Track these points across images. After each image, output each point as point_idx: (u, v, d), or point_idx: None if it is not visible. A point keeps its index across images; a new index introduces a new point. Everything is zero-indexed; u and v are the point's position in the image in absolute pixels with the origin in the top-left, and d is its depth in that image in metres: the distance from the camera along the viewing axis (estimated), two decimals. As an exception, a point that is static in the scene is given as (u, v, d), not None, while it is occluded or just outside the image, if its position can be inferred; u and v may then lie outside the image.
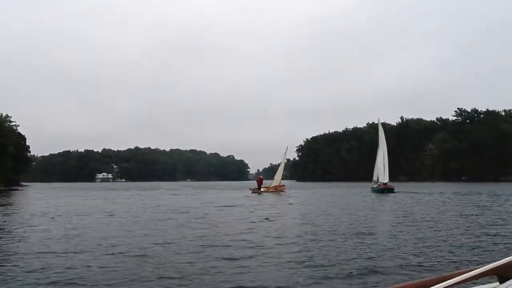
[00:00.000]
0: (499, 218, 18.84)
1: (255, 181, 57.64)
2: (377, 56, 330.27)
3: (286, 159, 66.35)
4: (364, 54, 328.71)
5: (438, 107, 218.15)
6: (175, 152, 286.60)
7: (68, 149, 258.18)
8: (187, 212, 23.53)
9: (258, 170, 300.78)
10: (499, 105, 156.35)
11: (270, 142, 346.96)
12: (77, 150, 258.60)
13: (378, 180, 51.72)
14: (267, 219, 19.79)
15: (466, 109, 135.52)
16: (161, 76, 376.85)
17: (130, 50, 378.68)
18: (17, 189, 73.02)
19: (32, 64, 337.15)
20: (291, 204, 31.32)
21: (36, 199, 42.67)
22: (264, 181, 54.51)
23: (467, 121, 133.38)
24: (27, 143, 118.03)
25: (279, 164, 61.45)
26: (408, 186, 67.04)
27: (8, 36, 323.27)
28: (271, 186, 54.04)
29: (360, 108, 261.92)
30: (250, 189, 52.38)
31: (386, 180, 50.73)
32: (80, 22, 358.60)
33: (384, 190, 47.66)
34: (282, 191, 52.65)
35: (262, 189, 51.16)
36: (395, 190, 48.18)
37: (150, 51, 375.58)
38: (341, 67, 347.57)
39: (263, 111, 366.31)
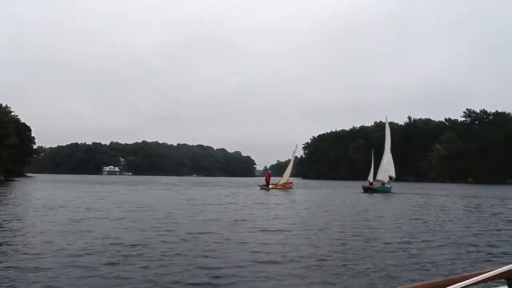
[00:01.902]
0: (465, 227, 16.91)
1: (261, 177, 57.60)
2: (390, 55, 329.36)
3: (295, 156, 66.31)
4: (376, 52, 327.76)
5: (450, 107, 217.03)
6: (182, 147, 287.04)
7: (76, 142, 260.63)
8: (148, 210, 21.67)
9: (265, 166, 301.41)
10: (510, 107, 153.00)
11: (278, 139, 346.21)
12: (85, 142, 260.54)
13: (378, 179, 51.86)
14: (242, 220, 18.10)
15: (475, 110, 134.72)
16: (172, 71, 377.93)
17: (141, 45, 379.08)
18: (14, 180, 72.63)
19: (43, 58, 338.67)
20: (279, 204, 28.87)
21: (21, 190, 42.10)
22: (271, 178, 54.13)
23: (476, 122, 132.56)
24: (32, 134, 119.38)
25: (286, 162, 61.60)
26: (409, 186, 66.26)
27: (20, 31, 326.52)
28: (279, 183, 53.92)
29: (372, 106, 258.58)
30: (259, 185, 52.51)
31: (385, 179, 50.75)
32: (92, 17, 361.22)
33: (368, 190, 47.90)
34: (290, 188, 52.46)
35: (270, 186, 50.88)
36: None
37: (162, 47, 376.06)
38: (353, 66, 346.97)
39: (272, 108, 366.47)
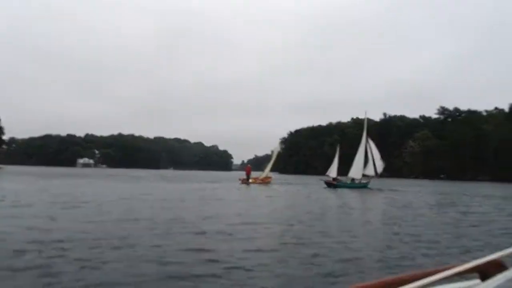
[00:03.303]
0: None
1: (238, 171, 57.93)
2: (377, 52, 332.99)
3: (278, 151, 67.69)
4: (363, 49, 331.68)
5: (431, 105, 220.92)
6: (159, 140, 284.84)
7: (50, 133, 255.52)
8: (86, 206, 19.34)
9: (243, 161, 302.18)
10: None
11: (257, 133, 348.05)
12: (59, 134, 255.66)
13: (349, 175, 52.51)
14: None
15: (448, 108, 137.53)
16: (155, 62, 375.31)
17: (125, 34, 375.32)
18: None
19: (20, 44, 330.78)
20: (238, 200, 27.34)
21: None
22: (252, 172, 54.66)
23: (449, 119, 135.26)
24: (1, 125, 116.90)
25: (264, 156, 62.57)
26: (383, 182, 65.83)
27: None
28: (260, 177, 54.38)
29: (356, 103, 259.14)
30: (239, 179, 53.07)
31: (358, 176, 51.43)
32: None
33: (331, 185, 48.77)
34: (269, 183, 52.74)
35: (250, 180, 51.53)
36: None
37: (148, 37, 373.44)
38: (338, 62, 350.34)
39: (253, 103, 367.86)
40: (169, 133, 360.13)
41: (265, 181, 52.98)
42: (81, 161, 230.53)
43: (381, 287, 1.73)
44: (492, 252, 1.83)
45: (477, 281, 2.00)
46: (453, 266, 1.80)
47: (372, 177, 51.51)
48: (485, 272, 1.97)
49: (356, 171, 51.97)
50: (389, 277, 1.78)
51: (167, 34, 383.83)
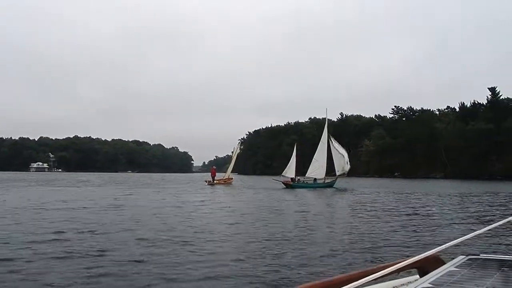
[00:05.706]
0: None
1: (199, 173, 58.92)
2: (338, 55, 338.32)
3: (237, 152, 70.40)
4: (326, 52, 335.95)
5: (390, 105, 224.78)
6: (117, 142, 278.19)
7: (1, 136, 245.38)
8: None
9: (204, 162, 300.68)
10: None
11: (217, 135, 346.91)
12: (11, 137, 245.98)
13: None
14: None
15: (403, 107, 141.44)
16: (113, 63, 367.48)
17: (93, 31, 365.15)
18: None
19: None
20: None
21: None
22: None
23: (403, 118, 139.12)
24: None
25: (224, 157, 63.96)
26: (341, 181, 66.40)
27: None
28: (223, 178, 58.13)
29: (313, 104, 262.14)
30: (205, 181, 55.28)
31: (317, 175, 51.46)
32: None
33: (287, 185, 49.05)
34: (230, 184, 55.56)
35: (215, 181, 54.13)
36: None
37: (111, 35, 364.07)
38: (302, 63, 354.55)
39: (212, 104, 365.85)
40: (127, 136, 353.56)
41: (227, 182, 56.52)
42: (34, 165, 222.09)
43: (327, 287, 1.83)
44: (430, 248, 2.00)
45: (416, 276, 2.17)
46: (393, 264, 1.89)
47: (339, 176, 51.45)
48: (424, 267, 2.13)
49: (315, 170, 52.27)
50: (334, 277, 1.88)
51: (132, 33, 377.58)
